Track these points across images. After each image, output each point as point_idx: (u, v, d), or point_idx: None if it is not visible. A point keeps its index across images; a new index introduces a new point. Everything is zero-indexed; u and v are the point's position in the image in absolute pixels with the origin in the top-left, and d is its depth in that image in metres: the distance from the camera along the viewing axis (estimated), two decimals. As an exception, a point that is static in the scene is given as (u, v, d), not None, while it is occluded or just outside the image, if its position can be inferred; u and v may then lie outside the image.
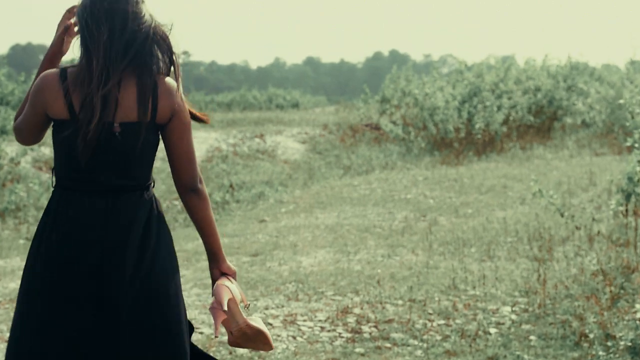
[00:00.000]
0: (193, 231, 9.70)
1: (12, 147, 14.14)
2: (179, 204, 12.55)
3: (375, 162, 16.18)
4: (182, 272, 7.56)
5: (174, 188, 9.18)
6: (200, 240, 8.88)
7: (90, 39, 2.84)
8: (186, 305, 6.06)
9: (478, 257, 8.04)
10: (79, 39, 2.89)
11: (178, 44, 2.95)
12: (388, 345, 5.56)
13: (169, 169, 3.45)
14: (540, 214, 9.76)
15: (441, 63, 56.38)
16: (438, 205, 11.11)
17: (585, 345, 5.39)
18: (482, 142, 17.22)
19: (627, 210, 7.58)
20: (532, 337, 5.60)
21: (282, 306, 6.40)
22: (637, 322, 5.57)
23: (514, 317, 6.03)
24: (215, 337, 2.91)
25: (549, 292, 6.46)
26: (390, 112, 20.54)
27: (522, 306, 6.26)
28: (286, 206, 11.80)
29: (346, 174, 15.28)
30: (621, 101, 7.84)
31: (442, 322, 5.99)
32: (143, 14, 2.87)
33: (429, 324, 5.93)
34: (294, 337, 5.71)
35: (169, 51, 2.91)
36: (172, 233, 10.82)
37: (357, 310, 6.23)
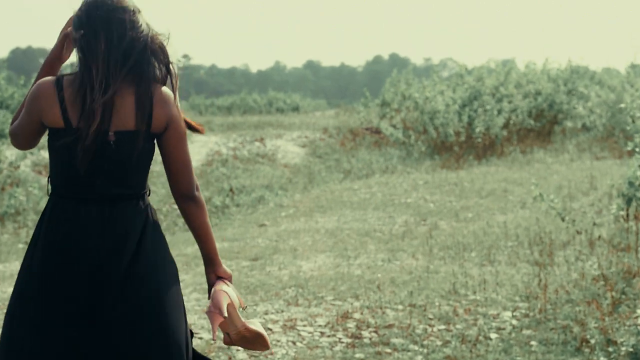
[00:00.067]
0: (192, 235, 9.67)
1: (11, 151, 14.12)
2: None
3: (375, 166, 16.16)
4: (182, 276, 7.53)
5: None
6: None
7: (87, 47, 2.84)
8: (186, 310, 6.05)
9: (478, 261, 8.02)
10: (75, 47, 2.89)
11: (175, 53, 2.96)
12: (388, 350, 5.53)
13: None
14: (541, 218, 9.73)
15: (441, 67, 56.39)
16: (438, 209, 11.09)
17: (587, 350, 5.36)
18: (482, 146, 17.20)
19: (627, 215, 7.56)
20: (533, 343, 5.57)
21: (282, 311, 6.38)
22: (639, 327, 5.54)
23: (514, 322, 6.00)
24: (213, 340, 2.91)
25: (549, 297, 6.43)
26: (391, 115, 20.53)
27: (523, 311, 6.23)
28: (286, 210, 11.78)
29: (346, 177, 15.26)
30: (622, 105, 7.81)
31: (442, 327, 5.96)
32: (140, 23, 2.89)
33: (429, 329, 5.91)
34: (294, 343, 5.68)
35: (165, 60, 2.92)
36: (172, 237, 10.81)
37: (357, 315, 6.20)
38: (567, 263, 7.60)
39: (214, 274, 3.07)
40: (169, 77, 2.94)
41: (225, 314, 2.93)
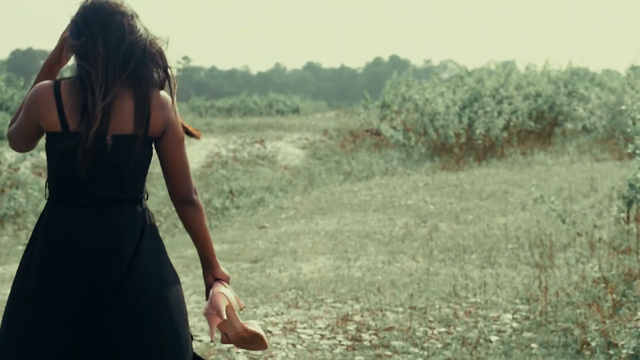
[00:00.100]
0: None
1: (11, 153, 14.10)
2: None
3: (375, 167, 16.14)
4: (181, 278, 7.52)
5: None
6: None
7: (85, 52, 2.84)
8: (189, 310, 6.03)
9: (479, 263, 8.00)
10: (73, 52, 2.90)
11: (174, 58, 2.98)
12: (388, 353, 5.51)
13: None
14: (541, 220, 9.72)
15: (441, 68, 56.35)
16: (438, 211, 11.08)
17: (587, 353, 5.34)
18: (482, 147, 17.19)
19: (628, 217, 7.54)
20: (533, 345, 5.55)
21: (282, 313, 6.36)
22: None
23: (515, 324, 5.99)
24: (211, 341, 2.91)
25: (550, 300, 6.41)
26: (391, 117, 20.52)
27: (524, 314, 6.22)
28: (286, 212, 11.76)
29: (346, 179, 15.25)
30: (623, 107, 7.80)
31: (442, 329, 5.95)
32: (138, 27, 2.89)
33: (429, 332, 5.89)
34: (294, 345, 5.67)
35: (164, 65, 2.93)
36: (172, 239, 10.79)
37: (357, 318, 6.19)
38: (568, 265, 7.58)
39: (211, 276, 3.08)
40: (167, 81, 2.94)
41: (225, 317, 2.95)
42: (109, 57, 2.82)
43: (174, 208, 12.69)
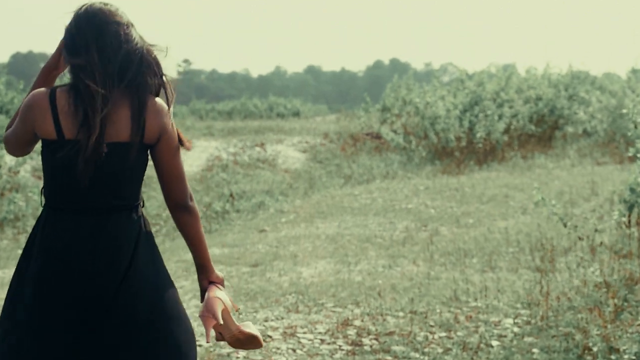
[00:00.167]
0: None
1: (11, 157, 14.09)
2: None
3: (376, 171, 16.13)
4: (181, 282, 7.50)
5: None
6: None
7: (78, 61, 2.84)
8: (189, 314, 6.01)
9: (479, 267, 7.98)
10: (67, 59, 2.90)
11: (173, 66, 3.00)
12: (389, 358, 5.49)
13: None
14: (542, 224, 9.70)
15: (442, 72, 56.39)
16: (439, 215, 11.06)
17: (589, 358, 5.32)
18: (483, 151, 17.17)
19: (629, 221, 7.52)
20: (534, 350, 5.53)
21: (282, 318, 6.34)
22: (641, 334, 5.51)
23: (516, 329, 5.96)
24: (207, 342, 2.95)
25: (551, 304, 6.39)
26: (391, 121, 20.51)
27: (525, 318, 6.19)
28: (286, 216, 11.74)
29: (347, 183, 15.23)
30: (624, 111, 7.77)
31: (443, 334, 5.92)
32: (134, 36, 2.89)
33: (430, 337, 5.87)
34: (294, 350, 5.64)
35: (159, 73, 2.93)
36: (172, 243, 10.74)
37: (357, 322, 6.16)
38: (569, 269, 7.56)
39: (206, 280, 3.10)
40: (162, 89, 2.94)
41: (221, 322, 2.98)
42: (104, 66, 2.82)
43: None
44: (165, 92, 2.94)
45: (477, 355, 5.48)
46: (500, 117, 17.88)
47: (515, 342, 5.69)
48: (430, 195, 12.46)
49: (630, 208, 7.36)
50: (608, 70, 26.14)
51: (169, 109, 2.93)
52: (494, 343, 5.69)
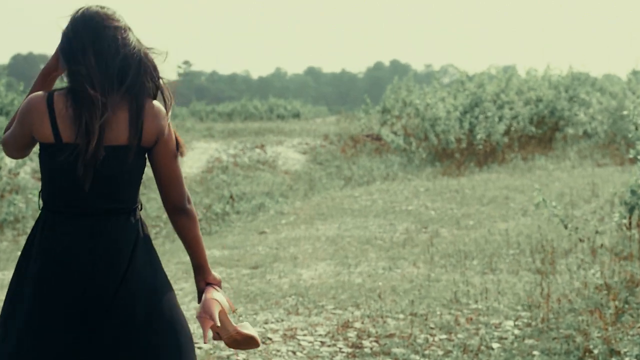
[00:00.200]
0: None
1: (10, 158, 14.06)
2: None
3: (376, 172, 16.12)
4: (182, 284, 7.49)
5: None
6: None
7: (75, 63, 2.85)
8: (188, 316, 5.99)
9: (480, 269, 7.97)
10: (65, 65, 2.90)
11: (172, 70, 3.02)
12: (389, 360, 5.47)
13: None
14: (543, 225, 9.68)
15: (442, 73, 56.38)
16: (439, 216, 11.04)
17: (590, 360, 5.31)
18: (483, 152, 17.16)
19: (630, 223, 7.51)
20: (535, 353, 5.52)
21: (282, 320, 6.32)
22: (642, 337, 5.49)
23: (516, 331, 5.95)
24: (205, 342, 3.00)
25: (552, 306, 6.37)
26: (392, 122, 20.51)
27: (525, 320, 6.18)
28: (286, 217, 11.73)
29: (347, 184, 15.22)
30: (625, 112, 7.77)
31: (444, 336, 5.91)
32: (131, 40, 2.89)
33: (430, 339, 5.85)
34: (294, 352, 5.63)
35: (157, 77, 2.93)
36: (172, 245, 10.72)
37: (357, 325, 6.15)
38: (570, 271, 7.55)
39: (203, 281, 3.11)
40: (160, 93, 2.95)
41: (218, 324, 3.00)
42: (101, 70, 2.82)
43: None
44: (163, 96, 2.94)
45: (478, 358, 5.46)
46: (500, 118, 17.87)
47: (515, 345, 5.67)
48: (430, 197, 12.45)
49: (631, 210, 7.35)
50: (608, 71, 26.16)
51: (167, 112, 2.93)
52: (495, 345, 5.68)
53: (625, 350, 5.30)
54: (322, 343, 5.81)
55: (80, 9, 2.91)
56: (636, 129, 7.61)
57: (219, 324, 3.00)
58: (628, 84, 20.96)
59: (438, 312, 6.42)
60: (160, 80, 2.93)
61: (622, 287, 6.63)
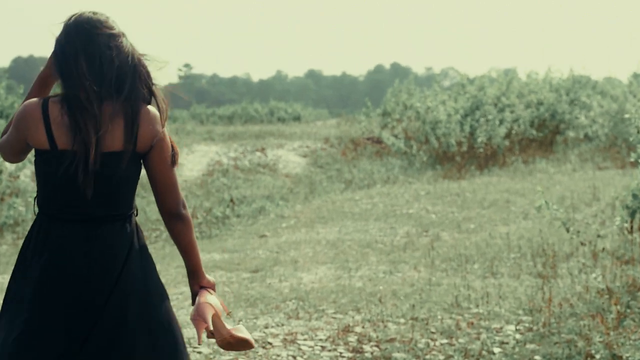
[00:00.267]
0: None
1: (11, 161, 14.06)
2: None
3: (376, 176, 16.09)
4: (182, 288, 7.46)
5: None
6: (201, 256, 8.79)
7: (68, 71, 2.85)
8: (185, 322, 5.97)
9: (481, 273, 7.94)
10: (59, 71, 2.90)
11: (169, 77, 3.02)
12: (390, 365, 5.45)
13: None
14: (544, 229, 9.66)
15: (443, 76, 56.40)
16: (440, 220, 11.02)
17: (591, 365, 5.28)
18: (484, 156, 17.14)
19: (632, 227, 7.48)
20: (536, 357, 5.49)
21: (282, 325, 6.30)
22: (644, 342, 5.46)
23: (518, 336, 5.92)
24: (199, 344, 3.01)
25: (553, 311, 6.34)
26: (392, 125, 20.48)
27: (527, 325, 6.15)
28: (287, 221, 11.71)
29: (347, 188, 15.19)
30: (626, 115, 7.74)
31: (445, 341, 5.88)
32: (126, 46, 2.89)
33: (431, 343, 5.82)
34: (294, 357, 5.60)
35: (150, 82, 2.93)
36: (172, 248, 10.68)
37: (358, 329, 6.12)
38: (571, 275, 7.52)
39: (197, 285, 3.12)
40: (154, 99, 2.95)
41: (211, 327, 3.02)
42: (94, 76, 2.83)
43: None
44: (157, 102, 2.94)
45: (479, 363, 5.43)
46: (501, 121, 17.85)
47: (517, 349, 5.64)
48: (431, 200, 12.42)
49: (633, 214, 7.33)
50: (609, 74, 26.07)
51: (161, 117, 2.93)
52: (496, 350, 5.65)
53: (627, 355, 5.28)
54: (323, 348, 5.78)
55: (72, 15, 2.91)
56: (637, 132, 7.59)
57: (211, 328, 3.02)
58: (629, 86, 20.94)
59: (439, 317, 6.39)
60: (153, 87, 2.94)
61: (624, 292, 6.60)
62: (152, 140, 2.90)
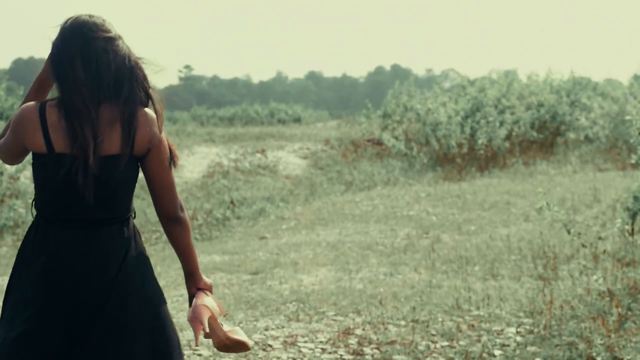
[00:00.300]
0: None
1: (11, 163, 14.03)
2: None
3: (377, 177, 16.08)
4: (182, 291, 7.45)
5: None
6: (201, 258, 8.80)
7: (64, 75, 2.85)
8: (184, 324, 5.96)
9: (481, 275, 7.93)
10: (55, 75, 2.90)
11: (168, 79, 2.98)
12: (390, 367, 5.43)
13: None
14: (544, 231, 9.64)
15: (443, 78, 56.39)
16: (441, 222, 11.01)
17: (592, 368, 5.26)
18: (484, 157, 17.13)
19: (632, 229, 7.46)
20: (537, 360, 5.48)
21: (283, 327, 6.29)
22: (645, 344, 5.45)
23: (519, 338, 5.91)
24: (196, 345, 3.09)
25: (554, 313, 6.33)
26: (393, 127, 20.47)
27: (527, 327, 6.14)
28: (287, 223, 11.70)
29: (348, 189, 15.18)
30: (627, 117, 7.73)
31: (445, 343, 5.87)
32: (122, 49, 2.89)
33: (432, 346, 5.81)
34: None
35: (146, 85, 2.93)
36: (172, 250, 10.67)
37: (358, 331, 6.11)
38: (572, 277, 7.50)
39: (194, 287, 3.13)
40: (150, 101, 2.95)
41: (207, 330, 3.04)
42: (90, 80, 2.82)
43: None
44: (153, 104, 2.94)
45: (480, 365, 5.42)
46: (501, 123, 17.84)
47: (518, 352, 5.63)
48: (431, 202, 12.41)
49: (634, 216, 7.31)
50: (610, 76, 26.08)
51: (157, 120, 2.93)
52: (497, 352, 5.64)
53: (629, 357, 5.26)
54: (323, 350, 5.77)
55: (69, 18, 2.91)
56: (638, 133, 7.57)
57: (207, 330, 3.04)
58: (629, 88, 20.94)
59: (439, 319, 6.38)
60: (149, 90, 2.94)
61: (625, 294, 6.59)
62: (149, 143, 2.89)
